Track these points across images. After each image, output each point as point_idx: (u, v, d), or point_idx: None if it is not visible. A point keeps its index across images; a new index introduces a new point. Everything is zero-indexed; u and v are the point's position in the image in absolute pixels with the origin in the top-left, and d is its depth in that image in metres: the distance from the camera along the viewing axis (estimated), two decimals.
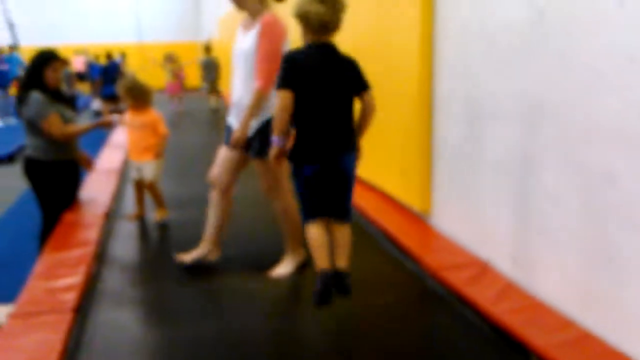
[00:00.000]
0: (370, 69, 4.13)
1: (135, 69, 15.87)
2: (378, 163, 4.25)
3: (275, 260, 3.05)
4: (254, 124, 2.83)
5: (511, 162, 2.71)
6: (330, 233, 2.35)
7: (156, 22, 20.61)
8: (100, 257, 3.33)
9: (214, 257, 3.08)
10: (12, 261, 4.06)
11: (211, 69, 11.31)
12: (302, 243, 2.86)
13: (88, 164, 4.18)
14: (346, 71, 2.26)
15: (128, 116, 3.95)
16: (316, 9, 2.16)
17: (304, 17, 2.22)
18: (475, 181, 3.03)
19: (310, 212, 2.33)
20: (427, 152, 3.51)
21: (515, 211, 2.70)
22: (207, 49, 11.59)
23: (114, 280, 3.05)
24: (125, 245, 3.60)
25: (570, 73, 2.27)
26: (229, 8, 13.37)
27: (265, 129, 2.75)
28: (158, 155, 3.93)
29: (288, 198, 2.91)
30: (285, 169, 2.70)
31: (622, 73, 2.02)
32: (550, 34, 2.37)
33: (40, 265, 3.08)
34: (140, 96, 3.90)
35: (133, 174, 4.03)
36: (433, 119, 3.45)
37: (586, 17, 2.17)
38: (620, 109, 2.04)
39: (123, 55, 16.08)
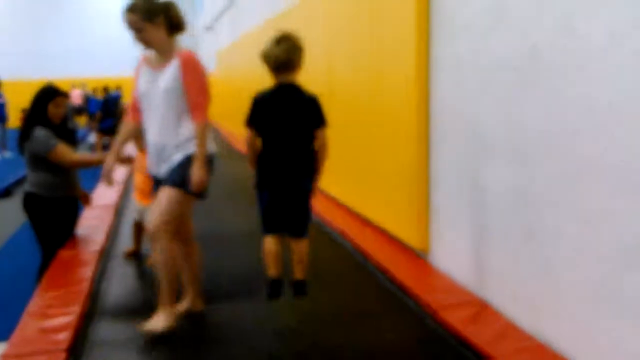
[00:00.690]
0: (366, 106, 4.22)
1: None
2: (376, 200, 4.26)
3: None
4: (177, 158, 2.69)
5: (510, 199, 2.71)
6: (289, 248, 2.73)
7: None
8: (94, 295, 3.29)
9: (199, 308, 2.97)
10: (7, 298, 4.00)
11: None
12: (174, 297, 2.75)
13: (86, 200, 4.18)
14: (304, 110, 2.57)
15: (138, 158, 3.92)
16: (273, 51, 2.56)
17: (265, 59, 2.60)
18: (474, 218, 3.03)
19: (266, 228, 2.72)
20: (424, 189, 3.51)
21: (515, 249, 2.69)
22: None
23: (107, 319, 3.00)
24: (120, 284, 3.55)
25: (565, 109, 2.30)
26: (227, 42, 13.66)
27: (187, 164, 2.66)
28: None
29: (173, 246, 2.71)
30: (189, 212, 2.77)
31: (615, 110, 2.04)
32: (545, 69, 2.40)
33: (34, 304, 3.05)
34: None
35: (135, 215, 3.98)
36: (430, 156, 3.46)
37: (579, 53, 2.20)
38: (615, 146, 2.05)
39: (119, 88, 16.33)
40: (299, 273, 2.72)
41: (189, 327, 2.88)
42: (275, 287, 2.68)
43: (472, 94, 2.97)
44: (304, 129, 2.58)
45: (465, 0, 2.97)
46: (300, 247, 2.71)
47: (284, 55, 2.53)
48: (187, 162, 2.67)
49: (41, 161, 3.61)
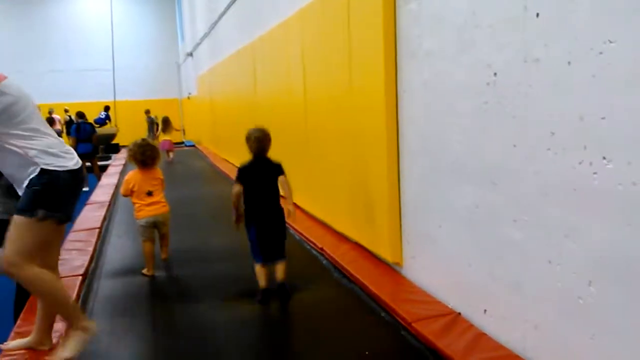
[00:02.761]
0: (340, 129, 4.35)
1: (122, 125, 16.38)
2: (351, 216, 4.36)
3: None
4: (25, 181, 2.54)
5: (478, 216, 2.80)
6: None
7: (139, 80, 21.29)
8: None
9: (46, 347, 2.78)
10: None
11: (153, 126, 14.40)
12: (78, 313, 2.66)
13: None
14: (272, 170, 3.66)
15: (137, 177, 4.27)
16: (258, 141, 3.61)
17: (252, 145, 3.61)
18: (445, 233, 3.12)
19: (256, 258, 3.57)
20: (396, 206, 3.62)
21: (485, 263, 2.77)
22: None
23: (92, 342, 3.01)
24: (105, 305, 3.60)
25: (526, 132, 2.39)
26: (206, 67, 13.82)
27: (36, 183, 2.51)
28: None
29: (37, 271, 2.52)
30: (46, 238, 2.56)
31: (573, 131, 2.12)
32: (504, 96, 2.50)
33: (19, 328, 3.03)
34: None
35: (148, 233, 4.26)
36: (401, 175, 3.57)
37: (537, 79, 2.30)
38: (573, 166, 2.14)
39: (107, 107, 16.66)
40: (281, 275, 3.60)
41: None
42: (266, 295, 3.52)
43: (438, 117, 3.08)
44: (274, 181, 3.65)
45: (430, 30, 3.08)
46: (283, 265, 3.60)
47: (267, 145, 3.64)
48: (30, 184, 2.52)
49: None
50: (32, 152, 2.51)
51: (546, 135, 2.27)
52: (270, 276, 3.54)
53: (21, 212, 2.51)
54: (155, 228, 4.24)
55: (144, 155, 4.23)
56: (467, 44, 2.77)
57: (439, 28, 3.00)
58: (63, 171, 2.56)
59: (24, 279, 2.54)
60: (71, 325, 2.63)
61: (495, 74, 2.56)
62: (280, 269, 3.57)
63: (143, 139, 4.43)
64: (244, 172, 3.63)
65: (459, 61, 2.84)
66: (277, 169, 3.67)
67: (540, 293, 2.39)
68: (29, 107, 2.59)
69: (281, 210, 3.64)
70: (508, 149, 2.51)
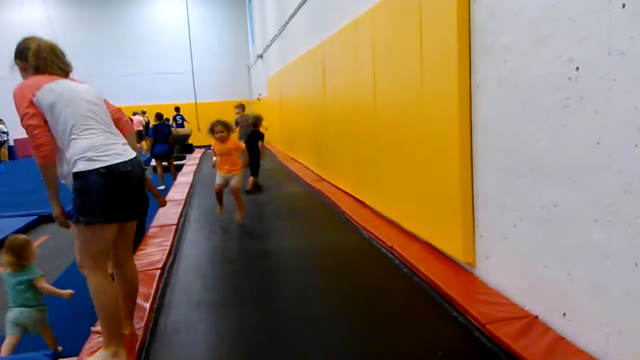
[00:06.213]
0: (411, 126, 4.32)
1: (195, 126, 17.08)
2: (422, 215, 4.31)
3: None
4: (69, 185, 2.66)
5: (555, 216, 2.72)
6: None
7: (212, 82, 22.06)
8: (158, 310, 3.48)
9: (126, 332, 2.91)
10: (77, 313, 4.20)
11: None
12: (117, 337, 2.65)
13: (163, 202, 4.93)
14: (257, 134, 8.17)
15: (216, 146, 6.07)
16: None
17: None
18: (521, 234, 3.04)
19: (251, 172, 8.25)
20: (469, 205, 3.56)
21: (563, 265, 2.68)
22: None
23: (170, 334, 3.16)
24: (181, 297, 3.74)
25: (608, 129, 2.30)
26: (276, 69, 14.04)
27: (73, 190, 2.59)
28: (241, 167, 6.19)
29: (102, 281, 2.61)
30: (103, 240, 2.60)
31: None
32: (586, 91, 2.41)
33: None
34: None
35: (219, 181, 6.02)
36: (474, 173, 3.50)
37: (622, 73, 2.21)
38: None
39: (178, 109, 17.44)
40: (251, 183, 8.01)
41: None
42: (249, 191, 7.82)
43: (515, 114, 3.00)
44: (256, 142, 8.04)
45: (505, 23, 3.02)
46: (254, 179, 8.04)
47: (259, 123, 8.38)
48: (74, 191, 2.60)
49: None
50: (68, 155, 2.59)
51: (632, 131, 2.18)
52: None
53: (70, 219, 2.64)
54: (226, 182, 5.98)
55: (214, 132, 5.99)
56: (546, 37, 2.68)
57: (516, 22, 2.93)
58: (89, 170, 2.54)
59: (89, 282, 2.62)
60: (106, 343, 2.63)
61: (577, 68, 2.47)
62: (251, 180, 7.91)
63: (218, 120, 6.09)
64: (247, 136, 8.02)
65: (537, 56, 2.76)
66: (260, 135, 8.11)
67: (625, 296, 2.30)
68: (70, 106, 2.63)
69: (258, 155, 7.95)
70: (590, 146, 2.42)
